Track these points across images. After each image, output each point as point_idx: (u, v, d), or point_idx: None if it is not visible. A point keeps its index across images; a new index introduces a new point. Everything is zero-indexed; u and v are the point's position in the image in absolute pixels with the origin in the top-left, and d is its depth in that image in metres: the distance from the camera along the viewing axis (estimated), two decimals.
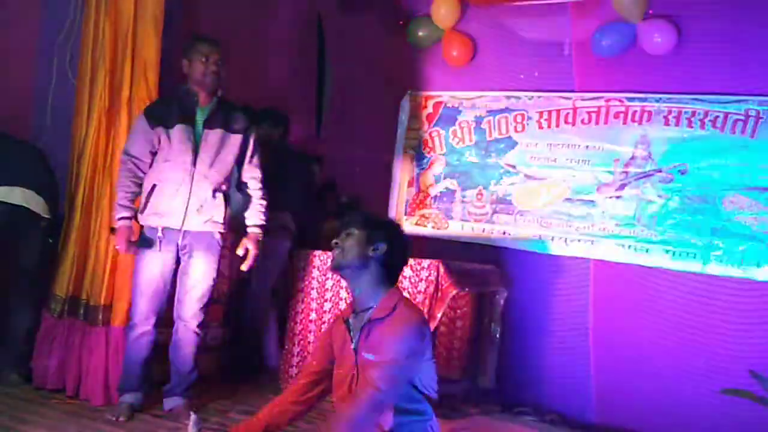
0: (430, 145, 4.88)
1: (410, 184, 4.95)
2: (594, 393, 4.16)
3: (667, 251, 4.01)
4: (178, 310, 3.48)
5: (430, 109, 4.92)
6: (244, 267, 3.54)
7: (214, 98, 3.49)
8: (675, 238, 4.00)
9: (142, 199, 3.44)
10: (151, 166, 3.43)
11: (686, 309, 3.95)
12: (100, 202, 3.63)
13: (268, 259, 4.16)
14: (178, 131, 3.39)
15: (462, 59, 4.77)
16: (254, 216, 3.57)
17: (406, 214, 4.93)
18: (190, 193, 3.39)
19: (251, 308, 4.45)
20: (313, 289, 4.07)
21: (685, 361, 3.91)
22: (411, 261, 3.78)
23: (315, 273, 4.07)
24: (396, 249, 2.32)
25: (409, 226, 4.83)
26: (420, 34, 4.87)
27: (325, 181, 5.25)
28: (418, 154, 4.92)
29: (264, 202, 3.60)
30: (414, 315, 2.24)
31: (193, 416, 2.09)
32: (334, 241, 2.32)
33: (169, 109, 3.45)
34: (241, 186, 3.63)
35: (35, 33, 4.17)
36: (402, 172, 4.99)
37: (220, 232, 3.49)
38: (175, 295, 3.50)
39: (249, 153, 3.57)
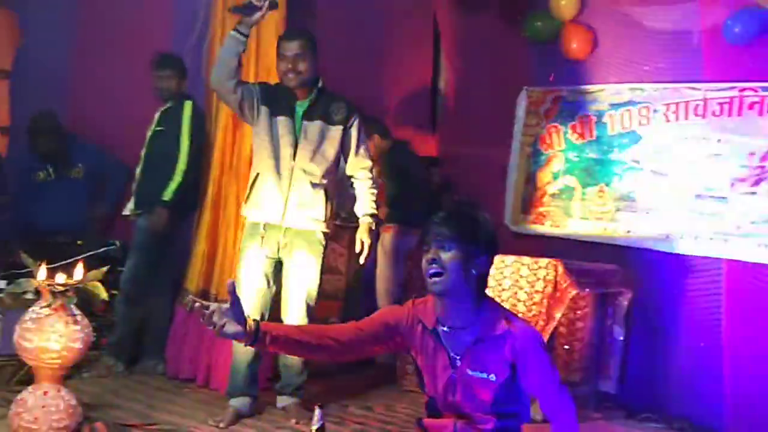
0: (547, 141, 4.77)
1: (527, 182, 4.86)
2: (728, 401, 3.91)
3: None
4: (285, 311, 3.45)
5: (548, 105, 4.81)
6: (361, 260, 3.47)
7: (312, 90, 3.43)
8: None
9: (247, 188, 3.46)
10: (234, 92, 3.34)
11: None
12: (228, 200, 3.80)
13: (390, 258, 4.22)
14: (279, 123, 3.38)
15: (582, 52, 4.63)
16: (365, 206, 3.49)
17: (522, 212, 4.85)
18: (289, 188, 3.35)
19: (366, 305, 4.52)
20: None
21: None
22: (528, 260, 3.72)
23: None
24: (493, 258, 2.16)
25: (525, 225, 4.74)
26: (538, 27, 4.78)
27: (441, 181, 5.25)
28: (536, 150, 4.82)
29: (374, 191, 3.52)
30: (531, 327, 2.23)
31: (317, 411, 2.15)
32: (429, 256, 2.06)
33: (276, 97, 3.42)
34: (348, 179, 3.55)
35: (169, 37, 4.44)
36: (518, 169, 4.90)
37: (322, 231, 3.43)
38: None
39: (353, 144, 3.48)
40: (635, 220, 4.33)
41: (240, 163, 3.75)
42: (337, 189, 3.59)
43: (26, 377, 3.20)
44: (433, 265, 2.05)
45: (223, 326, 1.92)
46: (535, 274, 3.69)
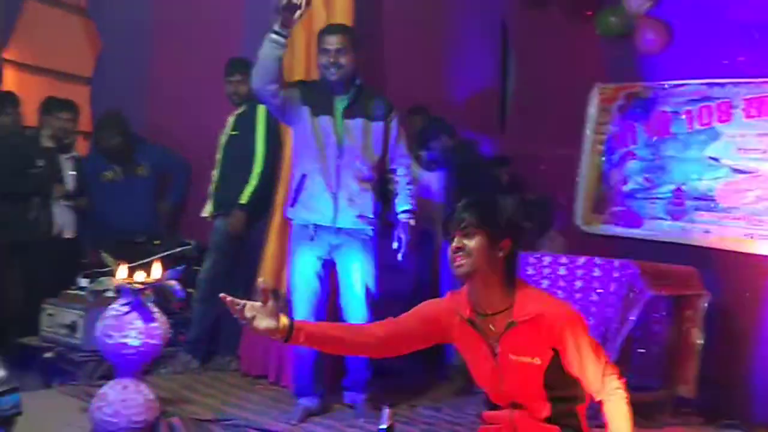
0: (621, 139, 4.66)
1: (599, 181, 4.76)
2: None
3: None
4: (346, 312, 3.44)
5: (621, 101, 4.69)
6: (399, 256, 3.41)
7: (352, 88, 3.40)
8: None
9: (291, 191, 3.45)
10: (276, 96, 3.31)
11: None
12: None
13: None
14: (321, 122, 3.35)
15: (657, 46, 4.50)
16: (403, 202, 3.45)
17: (594, 212, 4.74)
18: (338, 186, 3.32)
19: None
20: None
21: None
22: (600, 261, 3.64)
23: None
24: (519, 241, 2.14)
25: (598, 225, 4.64)
26: (610, 22, 4.67)
27: (510, 181, 5.19)
28: (608, 148, 4.72)
29: (411, 187, 3.48)
30: (564, 305, 2.15)
31: (386, 411, 2.15)
32: (454, 245, 2.07)
33: (315, 96, 3.39)
34: (388, 175, 3.51)
35: (240, 41, 4.53)
36: (590, 168, 4.80)
37: (373, 228, 3.40)
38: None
39: (393, 140, 3.46)
40: (714, 220, 4.18)
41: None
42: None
43: (107, 372, 3.31)
44: (459, 254, 2.06)
45: (253, 321, 1.95)
46: (609, 276, 3.60)
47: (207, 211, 4.28)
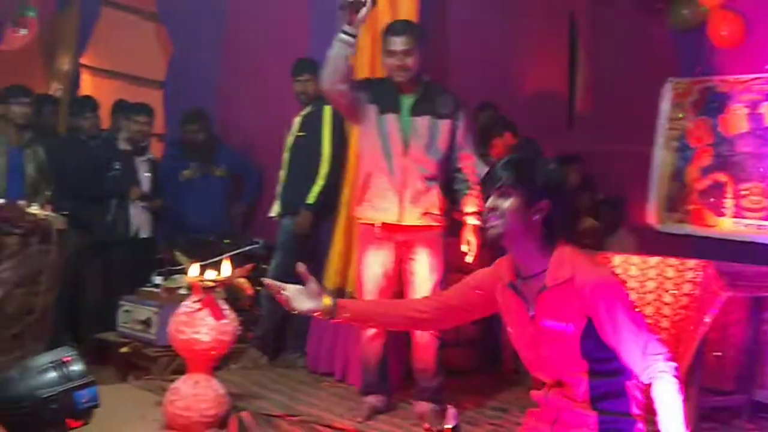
0: (695, 135, 4.52)
1: (673, 179, 4.62)
2: None
3: None
4: None
5: (695, 96, 4.55)
6: (469, 259, 3.36)
7: (419, 85, 3.36)
8: None
9: (357, 190, 3.46)
10: (345, 96, 3.33)
11: None
12: None
13: None
14: (388, 120, 3.33)
15: (732, 39, 4.35)
16: (471, 203, 3.38)
17: (668, 211, 4.61)
18: (403, 185, 3.29)
19: None
20: None
21: None
22: (674, 261, 3.53)
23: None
24: (559, 203, 2.01)
25: (672, 224, 4.51)
26: (682, 15, 4.53)
27: (580, 180, 5.08)
28: (682, 145, 4.58)
29: (479, 188, 3.41)
30: (599, 270, 1.98)
31: (451, 410, 2.14)
32: (488, 205, 1.97)
33: (382, 93, 3.37)
34: (455, 173, 3.46)
35: (307, 42, 4.60)
36: (663, 165, 4.67)
37: (441, 226, 3.36)
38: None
39: (460, 137, 3.40)
40: None
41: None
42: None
43: (180, 367, 3.41)
44: (492, 214, 1.97)
45: (294, 302, 2.01)
46: (682, 276, 3.49)
47: (274, 211, 4.35)
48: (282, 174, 4.36)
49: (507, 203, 1.94)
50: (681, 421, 1.78)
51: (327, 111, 4.19)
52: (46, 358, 2.51)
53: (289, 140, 4.36)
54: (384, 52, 3.37)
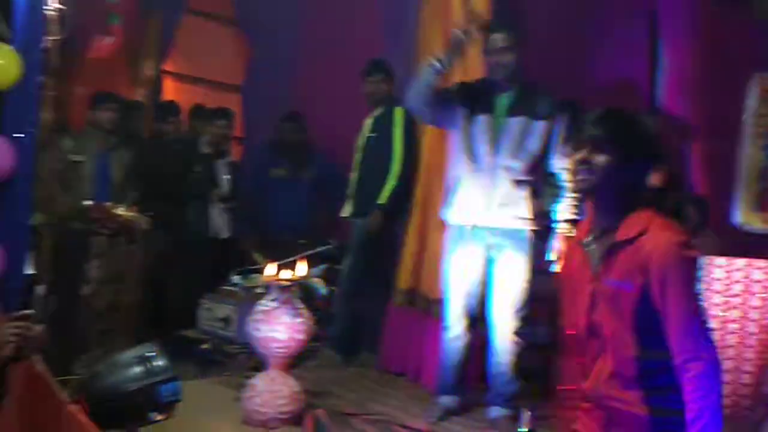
0: None
1: (761, 177, 4.41)
2: None
3: None
4: (491, 315, 3.36)
5: None
6: (556, 268, 3.25)
7: (515, 84, 3.31)
8: None
9: (447, 191, 3.43)
10: (430, 115, 3.38)
11: None
12: (435, 201, 3.86)
13: None
14: (479, 121, 3.29)
15: None
16: (563, 210, 3.30)
17: (756, 211, 4.40)
18: (492, 186, 3.25)
19: None
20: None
21: None
22: (763, 263, 3.38)
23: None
24: (651, 164, 1.93)
25: (760, 224, 4.30)
26: None
27: (666, 178, 4.92)
28: None
29: (573, 195, 3.28)
30: (673, 232, 1.85)
31: (525, 413, 2.11)
32: (578, 157, 1.89)
33: (475, 95, 3.34)
34: (549, 177, 3.39)
35: (379, 44, 4.62)
36: (751, 163, 4.45)
37: (531, 230, 3.30)
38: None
39: (555, 140, 3.31)
40: None
41: (446, 165, 3.78)
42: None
43: (257, 364, 3.49)
44: (583, 166, 1.89)
45: None
46: None
47: (347, 211, 4.40)
48: (353, 175, 4.40)
49: (600, 158, 1.87)
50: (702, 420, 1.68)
51: (398, 111, 4.21)
52: (132, 353, 2.60)
53: (361, 141, 4.40)
54: (483, 49, 3.34)
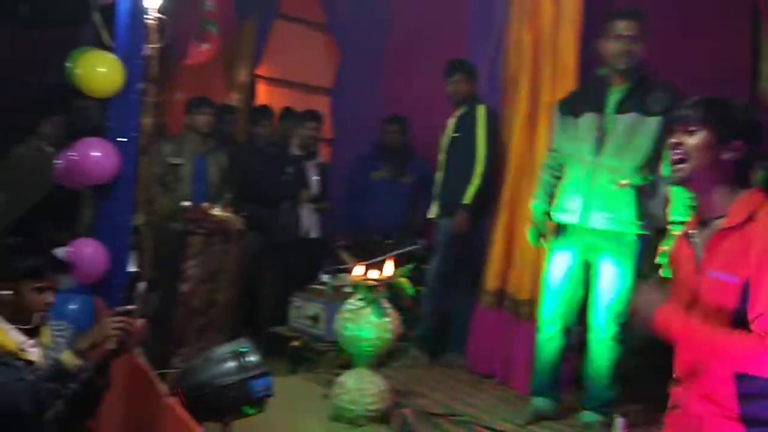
0: None
1: None
2: None
3: None
4: (590, 318, 3.27)
5: None
6: (664, 273, 3.00)
7: (630, 79, 3.16)
8: None
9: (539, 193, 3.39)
10: None
11: None
12: (523, 201, 3.81)
13: None
14: (585, 120, 3.19)
15: None
16: (675, 211, 3.05)
17: None
18: (591, 185, 3.14)
19: None
20: None
21: None
22: None
23: None
24: (755, 142, 1.82)
25: None
26: None
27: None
28: None
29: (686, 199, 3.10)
30: None
31: (619, 419, 2.05)
32: (673, 141, 1.83)
33: (580, 97, 3.28)
34: (660, 178, 3.17)
35: (466, 46, 4.60)
36: None
37: (637, 234, 3.15)
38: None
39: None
40: None
41: (535, 164, 3.73)
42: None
43: (346, 362, 3.54)
44: (677, 150, 1.82)
45: None
46: None
47: (433, 212, 4.40)
48: (438, 175, 4.40)
49: (694, 140, 1.82)
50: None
51: (481, 111, 4.18)
52: (226, 349, 2.69)
53: (444, 141, 4.39)
54: (609, 36, 3.15)
